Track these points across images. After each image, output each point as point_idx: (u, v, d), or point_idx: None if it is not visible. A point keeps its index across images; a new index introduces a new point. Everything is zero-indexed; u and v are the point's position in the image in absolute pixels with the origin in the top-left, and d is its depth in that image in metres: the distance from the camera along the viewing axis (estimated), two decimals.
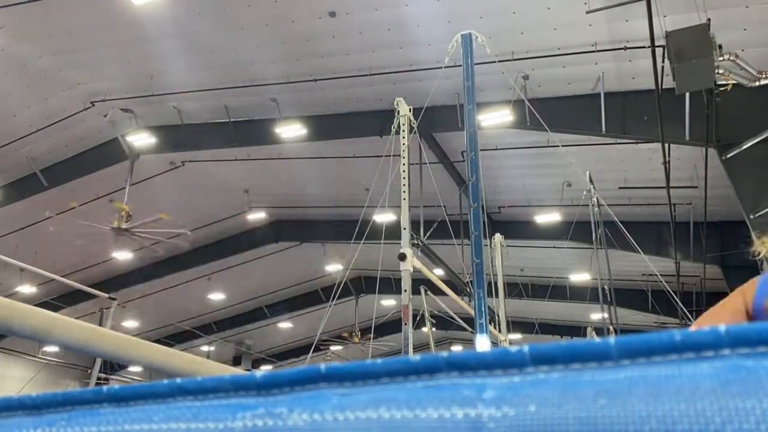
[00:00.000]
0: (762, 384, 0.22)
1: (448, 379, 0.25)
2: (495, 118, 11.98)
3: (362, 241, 9.34)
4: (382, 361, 0.27)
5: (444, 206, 11.40)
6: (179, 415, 0.30)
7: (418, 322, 10.69)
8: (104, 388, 0.37)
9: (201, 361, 2.00)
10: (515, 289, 17.85)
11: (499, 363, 0.25)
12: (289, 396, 0.28)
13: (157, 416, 0.31)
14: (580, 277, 18.60)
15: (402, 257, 7.29)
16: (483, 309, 6.35)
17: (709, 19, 8.06)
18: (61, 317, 1.33)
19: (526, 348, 0.26)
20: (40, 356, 22.16)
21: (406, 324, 7.38)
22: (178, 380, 0.32)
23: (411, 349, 7.54)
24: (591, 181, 11.26)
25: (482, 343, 6.27)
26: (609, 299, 12.10)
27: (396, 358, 0.28)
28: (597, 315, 17.19)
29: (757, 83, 8.99)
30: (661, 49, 8.89)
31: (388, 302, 21.40)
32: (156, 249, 15.43)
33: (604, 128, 11.40)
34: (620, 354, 0.25)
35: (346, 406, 0.27)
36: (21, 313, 1.20)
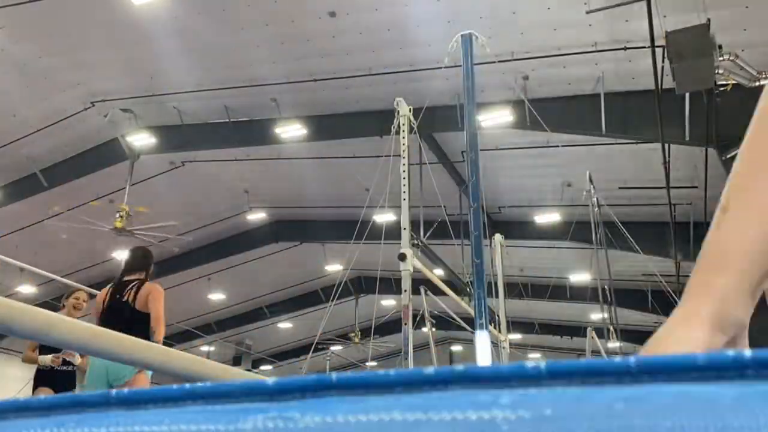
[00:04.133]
0: None
1: (462, 390, 0.25)
2: (495, 119, 11.99)
3: (362, 241, 9.34)
4: (395, 372, 0.27)
5: (444, 206, 11.40)
6: (190, 418, 0.30)
7: (418, 322, 10.69)
8: (114, 391, 0.37)
9: (202, 362, 2.00)
10: (515, 289, 17.85)
11: (515, 376, 0.25)
12: (300, 402, 0.28)
13: (167, 419, 0.31)
14: (580, 277, 18.61)
15: (402, 257, 7.29)
16: (483, 309, 6.36)
17: (709, 19, 8.07)
18: (61, 317, 1.33)
19: (542, 364, 0.26)
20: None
21: (406, 324, 7.38)
22: (188, 385, 0.32)
23: (411, 350, 7.54)
24: (591, 181, 11.27)
25: (482, 341, 6.27)
26: (609, 299, 12.10)
27: (409, 369, 0.28)
28: (597, 315, 17.19)
29: (757, 83, 8.99)
30: (661, 49, 8.89)
31: (388, 302, 21.40)
32: (157, 249, 15.38)
33: (604, 128, 11.41)
34: (640, 371, 0.25)
35: (359, 410, 0.27)
36: (21, 314, 1.20)
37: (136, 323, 4.39)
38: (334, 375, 0.28)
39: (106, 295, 4.61)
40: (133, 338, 1.58)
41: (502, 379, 0.25)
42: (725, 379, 0.24)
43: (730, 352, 0.25)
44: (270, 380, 0.31)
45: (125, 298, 4.54)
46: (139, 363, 1.56)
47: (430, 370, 0.26)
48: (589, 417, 0.23)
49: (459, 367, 0.25)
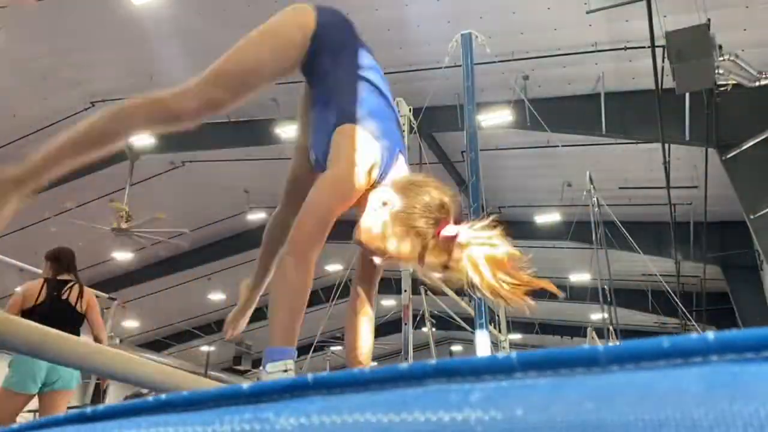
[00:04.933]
0: (748, 388, 0.22)
1: (437, 385, 0.25)
2: (495, 118, 11.98)
3: None
4: (370, 370, 0.27)
5: None
6: (167, 420, 0.30)
7: (418, 323, 10.70)
8: (89, 409, 0.37)
9: (198, 380, 2.00)
10: None
11: (488, 369, 0.25)
12: (277, 404, 0.28)
13: (145, 422, 0.31)
14: (580, 277, 18.59)
15: None
16: (483, 309, 6.35)
17: (709, 19, 8.07)
18: (55, 332, 1.32)
19: (514, 354, 0.26)
20: None
21: (406, 324, 7.39)
22: (164, 396, 0.32)
23: (411, 350, 7.55)
24: (591, 181, 11.26)
25: (482, 340, 6.27)
26: (609, 299, 12.10)
27: (384, 366, 0.28)
28: (597, 315, 17.19)
29: (757, 83, 9.00)
30: (661, 49, 8.89)
31: (388, 302, 21.39)
32: (157, 249, 15.39)
33: (604, 128, 11.40)
34: (609, 360, 0.25)
35: (334, 410, 0.27)
36: (14, 328, 1.20)
37: (77, 325, 4.60)
38: (310, 376, 0.28)
39: (40, 290, 4.64)
40: (127, 354, 1.57)
41: (475, 372, 0.25)
42: (691, 365, 0.24)
43: (693, 335, 0.25)
44: (245, 385, 0.31)
45: (65, 296, 4.63)
46: (134, 381, 1.55)
47: (403, 366, 0.26)
48: (561, 412, 0.23)
49: (432, 361, 0.26)
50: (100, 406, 0.35)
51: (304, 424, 0.26)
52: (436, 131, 12.96)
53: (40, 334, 1.21)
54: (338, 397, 0.27)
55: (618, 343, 0.24)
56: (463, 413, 0.23)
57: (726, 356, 0.23)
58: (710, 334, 0.24)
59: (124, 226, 13.56)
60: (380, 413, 0.24)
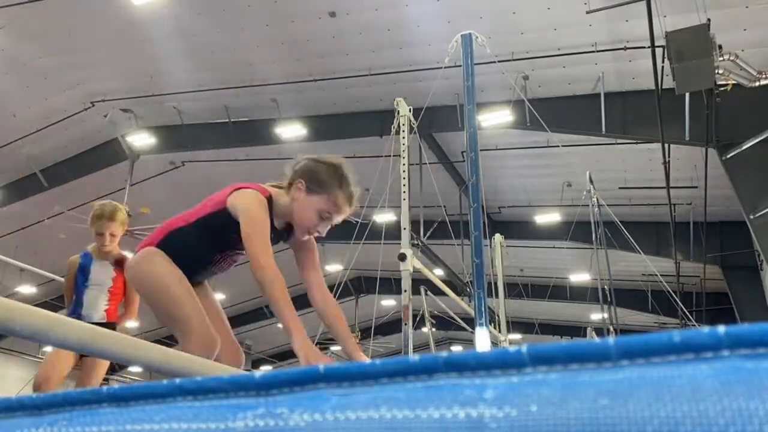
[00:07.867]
0: (764, 385, 0.22)
1: (447, 379, 0.25)
2: (495, 118, 11.98)
3: (362, 241, 9.36)
4: (381, 362, 0.27)
5: (444, 206, 11.39)
6: (180, 414, 0.30)
7: (418, 323, 10.69)
8: (104, 388, 0.37)
9: (201, 362, 2.00)
10: (515, 289, 17.84)
11: (498, 363, 0.25)
12: (288, 396, 0.28)
13: (157, 416, 0.31)
14: (580, 277, 18.59)
15: (402, 257, 7.30)
16: (483, 309, 6.35)
17: (709, 19, 8.07)
18: (61, 317, 1.32)
19: (524, 348, 0.25)
20: (40, 356, 22.15)
21: (406, 324, 7.39)
22: (177, 380, 0.32)
23: (411, 350, 7.54)
24: (591, 181, 11.26)
25: (482, 337, 6.26)
26: (609, 299, 12.10)
27: (394, 358, 0.28)
28: (597, 315, 17.18)
29: (757, 83, 9.00)
30: (661, 49, 8.89)
31: (388, 302, 21.38)
32: None
33: (604, 128, 11.40)
34: (619, 355, 0.25)
35: (347, 406, 0.27)
36: (21, 314, 1.20)
37: None
38: (321, 366, 0.28)
39: None
40: (133, 339, 1.58)
41: (485, 366, 0.25)
42: (703, 360, 0.24)
43: (705, 330, 0.25)
44: (258, 374, 0.31)
45: None
46: (142, 363, 1.56)
47: (414, 359, 0.26)
48: (575, 409, 0.23)
49: (442, 354, 0.26)
50: (113, 387, 0.36)
51: (317, 421, 0.26)
52: (436, 131, 12.95)
53: (46, 319, 1.21)
54: (351, 392, 0.27)
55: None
56: (478, 409, 0.23)
57: (738, 351, 0.23)
58: (721, 329, 0.24)
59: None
60: (394, 410, 0.24)
